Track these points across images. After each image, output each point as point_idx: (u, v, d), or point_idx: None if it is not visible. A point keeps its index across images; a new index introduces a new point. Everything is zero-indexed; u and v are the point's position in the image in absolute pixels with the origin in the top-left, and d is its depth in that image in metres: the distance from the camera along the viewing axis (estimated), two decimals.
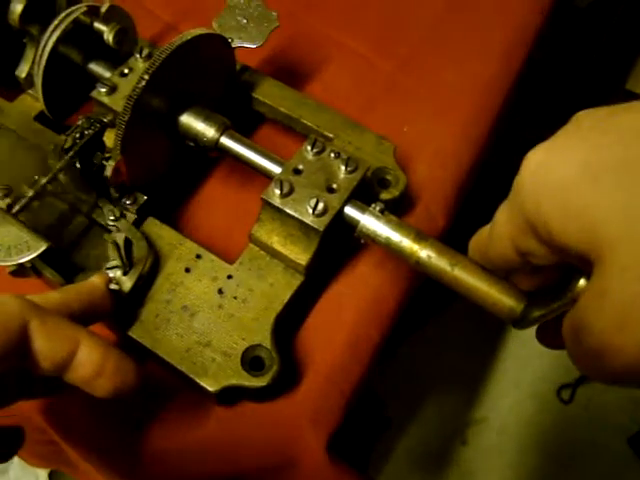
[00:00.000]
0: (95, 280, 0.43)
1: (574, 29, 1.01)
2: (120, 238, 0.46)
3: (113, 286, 0.44)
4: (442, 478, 1.26)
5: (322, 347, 0.51)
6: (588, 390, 1.33)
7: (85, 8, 0.53)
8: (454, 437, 1.29)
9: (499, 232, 0.35)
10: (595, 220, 0.26)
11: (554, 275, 0.38)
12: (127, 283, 0.45)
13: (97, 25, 0.54)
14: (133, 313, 0.47)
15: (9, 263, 0.42)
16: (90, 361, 0.35)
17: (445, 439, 1.29)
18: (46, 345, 0.34)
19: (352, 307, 0.53)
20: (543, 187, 0.29)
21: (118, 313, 0.46)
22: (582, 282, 0.33)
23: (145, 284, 0.48)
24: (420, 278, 0.56)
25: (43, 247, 0.42)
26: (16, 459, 1.04)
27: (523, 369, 1.33)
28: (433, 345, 1.33)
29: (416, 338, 1.29)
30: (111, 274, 0.45)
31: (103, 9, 0.54)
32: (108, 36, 0.54)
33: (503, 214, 0.34)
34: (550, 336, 0.41)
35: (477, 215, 0.49)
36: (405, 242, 0.45)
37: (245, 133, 0.53)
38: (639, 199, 0.25)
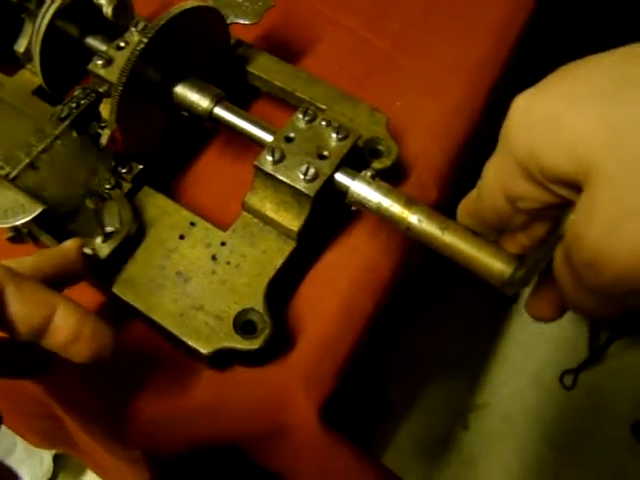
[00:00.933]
0: (68, 244, 0.43)
1: (575, 13, 1.01)
2: (109, 206, 0.48)
3: (87, 250, 0.45)
4: (443, 462, 1.26)
5: (315, 315, 0.52)
6: (591, 376, 1.33)
7: None
8: (456, 422, 1.30)
9: (489, 183, 0.35)
10: (583, 141, 0.28)
11: (543, 231, 0.38)
12: (105, 249, 0.46)
13: None
14: (128, 279, 0.48)
15: (5, 225, 0.43)
16: (67, 326, 0.35)
17: (447, 424, 1.30)
18: (22, 310, 0.34)
19: (345, 276, 0.54)
20: (532, 124, 0.30)
21: (100, 276, 0.47)
22: (572, 217, 0.32)
23: (130, 250, 0.49)
24: (415, 249, 0.57)
25: (38, 209, 0.43)
26: (20, 442, 1.06)
27: (525, 355, 1.34)
28: (435, 330, 1.33)
29: (418, 323, 1.29)
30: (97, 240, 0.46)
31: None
32: (107, 9, 0.54)
33: (492, 165, 0.35)
34: (540, 303, 0.41)
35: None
36: (395, 207, 0.46)
37: (241, 107, 0.54)
38: (619, 115, 0.27)
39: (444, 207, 0.57)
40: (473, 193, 0.40)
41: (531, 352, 1.34)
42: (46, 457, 1.07)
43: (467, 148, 0.62)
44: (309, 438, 0.50)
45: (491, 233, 0.42)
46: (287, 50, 0.64)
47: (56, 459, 1.10)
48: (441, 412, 1.30)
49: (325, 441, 0.51)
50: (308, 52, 0.64)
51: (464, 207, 0.43)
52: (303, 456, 0.52)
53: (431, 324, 1.32)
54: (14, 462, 1.05)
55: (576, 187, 0.29)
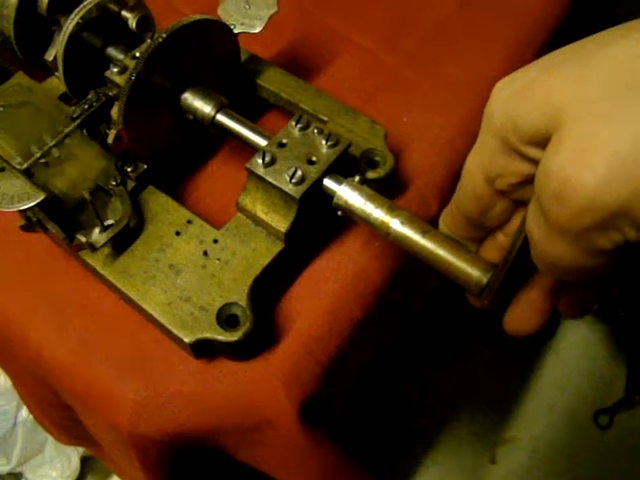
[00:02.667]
0: None
1: None
2: (113, 202, 0.51)
3: (82, 239, 0.49)
4: None
5: (302, 316, 0.54)
6: (627, 417, 1.29)
7: None
8: (483, 455, 1.27)
9: (469, 167, 0.38)
10: (553, 95, 0.31)
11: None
12: (101, 240, 0.50)
13: (124, 13, 0.59)
14: (124, 269, 0.51)
15: (11, 209, 0.47)
16: None
17: (474, 456, 1.27)
18: None
19: (335, 281, 0.55)
20: (509, 95, 0.33)
21: None
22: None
23: (129, 242, 0.53)
24: (407, 259, 0.58)
25: (41, 196, 0.47)
26: (50, 440, 1.10)
27: (558, 390, 1.30)
28: (467, 360, 1.32)
29: (450, 352, 1.29)
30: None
31: (130, 2, 0.59)
32: (132, 22, 0.59)
33: (472, 151, 0.37)
34: (518, 314, 0.42)
35: None
36: (378, 212, 0.47)
37: (251, 118, 0.56)
38: (584, 70, 0.30)
39: None
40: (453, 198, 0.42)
41: (564, 388, 1.30)
42: (74, 457, 1.11)
43: None
44: (288, 435, 0.52)
45: (472, 231, 0.43)
46: (301, 66, 0.67)
47: (84, 462, 1.14)
48: (468, 444, 1.28)
49: (304, 438, 0.52)
50: (321, 68, 0.67)
51: (444, 213, 0.44)
52: (282, 452, 0.53)
53: (463, 354, 1.31)
54: (44, 459, 1.10)
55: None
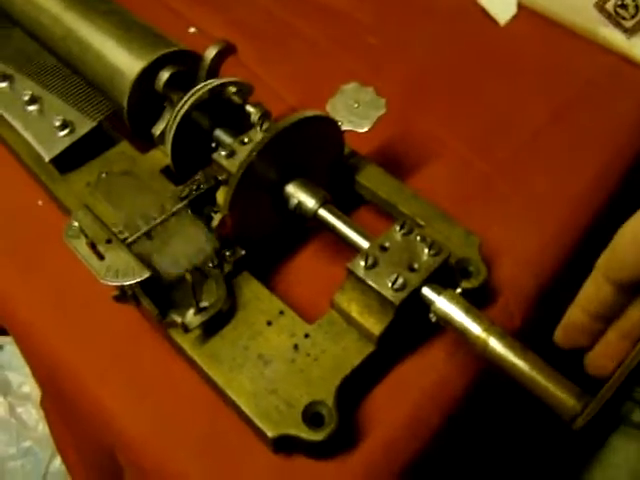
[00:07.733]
0: None
1: None
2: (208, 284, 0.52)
3: (177, 319, 0.50)
4: None
5: (382, 420, 0.53)
6: None
7: (235, 86, 0.60)
8: None
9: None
10: None
11: None
12: (195, 322, 0.50)
13: (248, 108, 0.60)
14: (214, 353, 0.52)
15: (114, 283, 0.48)
16: None
17: None
18: None
19: (418, 387, 0.54)
20: None
21: None
22: None
23: (220, 327, 0.53)
24: (491, 372, 0.57)
25: (146, 274, 0.48)
26: None
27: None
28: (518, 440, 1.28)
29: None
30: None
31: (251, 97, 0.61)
32: (255, 117, 0.60)
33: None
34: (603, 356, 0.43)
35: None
36: (476, 327, 0.47)
37: (345, 210, 0.57)
38: None
39: (525, 337, 0.58)
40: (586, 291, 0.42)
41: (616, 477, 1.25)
42: None
43: (559, 281, 0.63)
44: None
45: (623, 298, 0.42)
46: (396, 165, 0.68)
47: None
48: None
49: None
50: (416, 170, 0.68)
51: (571, 316, 0.44)
52: None
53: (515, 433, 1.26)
54: None
55: None
